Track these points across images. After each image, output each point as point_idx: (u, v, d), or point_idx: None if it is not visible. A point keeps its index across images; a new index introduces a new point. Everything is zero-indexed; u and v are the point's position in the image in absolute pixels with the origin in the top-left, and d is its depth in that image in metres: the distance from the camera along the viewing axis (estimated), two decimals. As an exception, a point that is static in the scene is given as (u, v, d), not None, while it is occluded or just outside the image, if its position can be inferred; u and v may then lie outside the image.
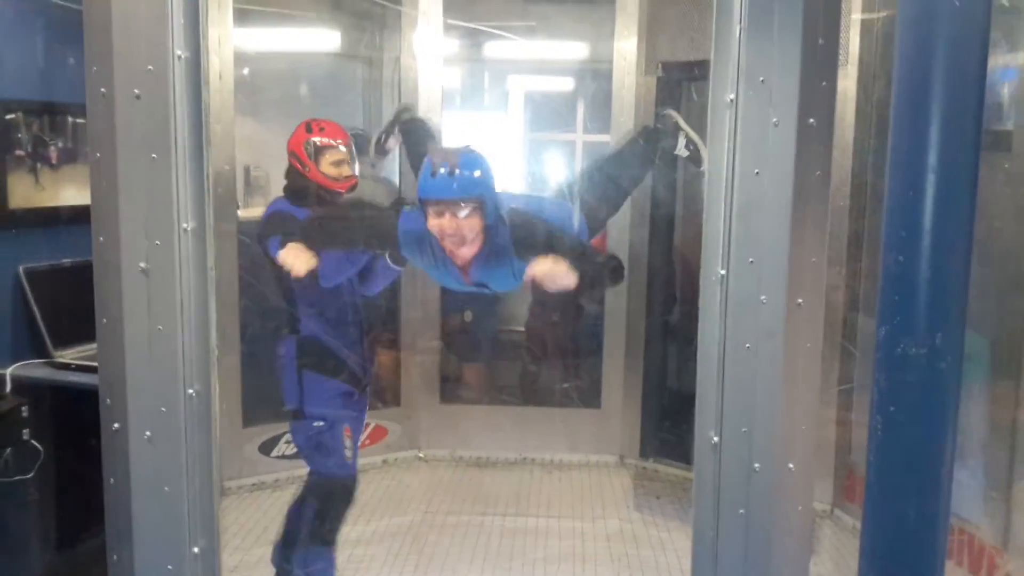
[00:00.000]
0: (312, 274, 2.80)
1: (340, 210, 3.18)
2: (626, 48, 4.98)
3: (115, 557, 2.03)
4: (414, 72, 4.99)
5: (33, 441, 2.73)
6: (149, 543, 2.01)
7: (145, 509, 2.01)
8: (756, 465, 1.94)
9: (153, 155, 1.98)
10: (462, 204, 2.53)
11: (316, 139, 3.22)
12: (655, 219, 4.95)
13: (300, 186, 3.23)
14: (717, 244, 1.95)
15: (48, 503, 2.92)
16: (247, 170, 5.13)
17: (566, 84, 6.08)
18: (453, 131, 5.31)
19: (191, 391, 2.01)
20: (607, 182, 3.08)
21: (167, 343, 2.00)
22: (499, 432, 5.06)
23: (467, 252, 2.65)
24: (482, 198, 2.56)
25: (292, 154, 3.25)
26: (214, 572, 2.04)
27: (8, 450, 2.72)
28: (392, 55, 5.13)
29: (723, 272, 1.95)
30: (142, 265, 1.99)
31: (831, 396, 4.19)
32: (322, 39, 5.18)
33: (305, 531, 3.21)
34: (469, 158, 2.58)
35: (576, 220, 2.94)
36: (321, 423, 3.15)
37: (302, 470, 3.42)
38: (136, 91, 1.96)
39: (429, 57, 4.96)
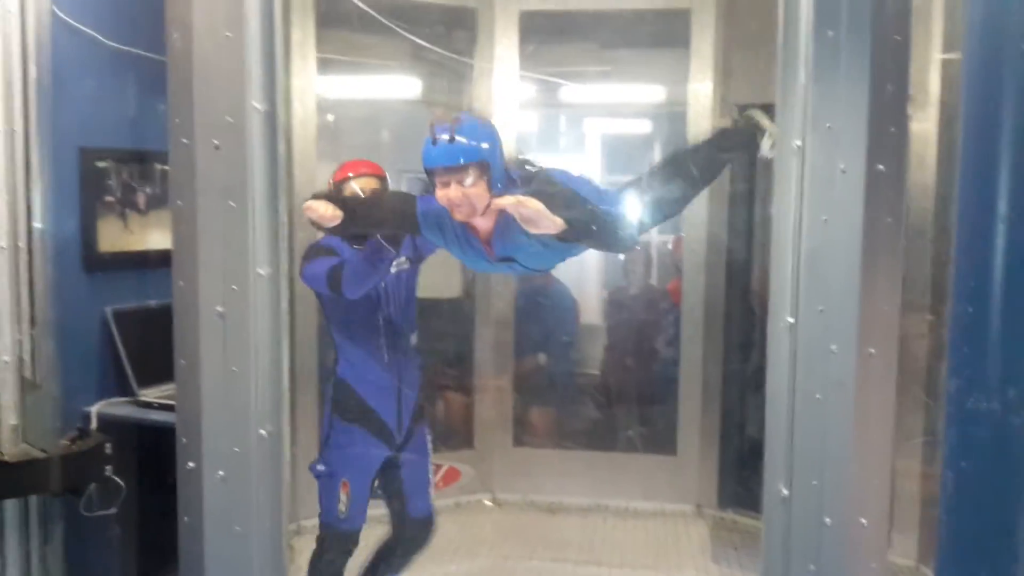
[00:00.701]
0: (336, 285, 2.86)
1: (361, 202, 3.03)
2: (701, 91, 4.96)
3: (187, 594, 2.07)
4: (488, 117, 5.06)
5: (115, 477, 2.82)
6: (219, 581, 2.05)
7: (216, 548, 2.05)
8: (827, 520, 1.88)
9: (231, 203, 2.05)
10: (467, 171, 2.39)
11: (349, 182, 3.11)
12: (731, 263, 4.89)
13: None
14: (785, 292, 1.93)
15: (131, 539, 3.01)
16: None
17: (641, 127, 6.10)
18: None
19: (263, 432, 2.06)
20: (676, 176, 2.82)
21: (241, 384, 2.06)
22: (572, 477, 5.02)
23: (484, 224, 2.53)
24: (485, 163, 2.40)
25: (333, 191, 3.11)
26: (281, 612, 2.07)
27: (92, 486, 2.82)
28: (467, 102, 5.23)
29: (792, 320, 1.92)
30: (219, 309, 2.05)
31: (916, 448, 4.05)
32: (401, 87, 5.30)
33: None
34: (470, 123, 2.45)
35: (597, 191, 2.70)
36: (322, 467, 3.14)
37: (380, 510, 3.42)
38: (216, 142, 2.04)
39: (503, 105, 5.03)
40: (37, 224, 2.76)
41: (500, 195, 2.41)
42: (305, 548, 4.33)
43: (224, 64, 2.04)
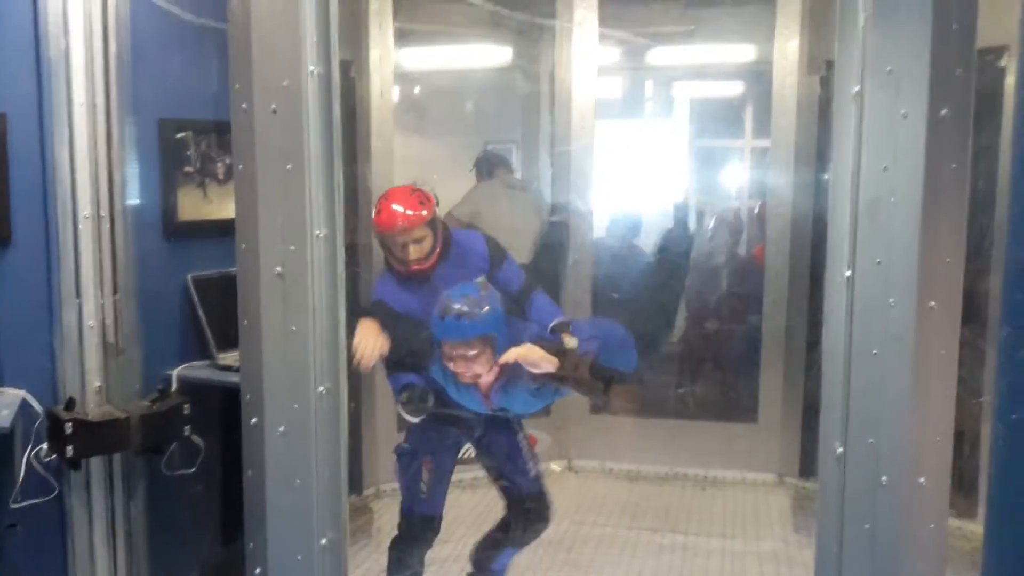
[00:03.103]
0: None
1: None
2: (788, 48, 4.82)
3: (251, 545, 2.15)
4: (568, 84, 5.03)
5: (195, 437, 2.93)
6: (280, 533, 2.12)
7: (278, 501, 2.11)
8: (883, 478, 1.82)
9: (288, 166, 2.09)
10: (472, 344, 2.75)
11: (376, 224, 3.04)
12: (817, 228, 4.75)
13: (392, 259, 3.10)
14: (842, 245, 1.86)
15: (210, 497, 3.14)
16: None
17: (725, 88, 5.97)
18: (608, 141, 5.31)
19: (321, 389, 2.11)
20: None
21: (300, 343, 2.11)
22: (650, 445, 4.99)
23: (486, 380, 2.85)
24: (492, 335, 2.76)
25: (377, 235, 3.10)
26: (340, 564, 2.13)
27: (173, 446, 2.94)
28: (547, 68, 5.20)
29: (849, 274, 1.85)
30: (278, 270, 2.10)
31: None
32: (479, 55, 5.31)
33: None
34: (476, 300, 2.77)
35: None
36: (406, 445, 3.16)
37: (461, 474, 3.46)
38: (273, 106, 2.08)
39: (583, 68, 4.98)
40: (118, 194, 2.88)
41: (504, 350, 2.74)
42: (384, 510, 4.47)
43: (280, 28, 2.07)
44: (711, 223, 5.65)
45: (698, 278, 5.71)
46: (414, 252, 3.01)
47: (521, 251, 4.60)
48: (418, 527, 3.19)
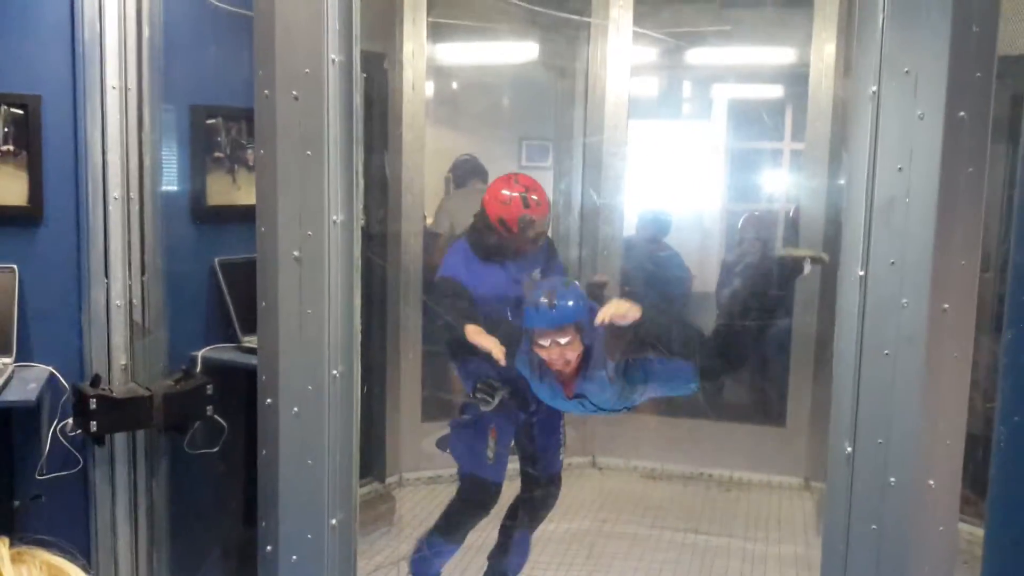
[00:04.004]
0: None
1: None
2: (825, 51, 4.77)
3: (263, 523, 2.18)
4: (602, 82, 5.02)
5: (218, 417, 2.98)
6: (292, 512, 2.15)
7: (290, 480, 2.15)
8: (892, 479, 1.81)
9: (308, 152, 2.12)
10: (565, 331, 2.90)
11: (532, 217, 3.17)
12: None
13: (491, 242, 3.23)
14: (857, 244, 1.86)
15: (233, 477, 3.18)
16: (447, 180, 5.35)
17: (761, 90, 5.92)
18: (640, 140, 5.30)
19: (335, 372, 2.14)
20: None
21: (315, 326, 2.14)
22: (676, 444, 4.97)
23: (573, 366, 2.99)
24: (580, 323, 2.92)
25: (500, 220, 3.18)
26: (350, 544, 2.16)
27: (196, 425, 2.99)
28: (582, 66, 5.19)
29: (862, 273, 1.85)
30: (296, 254, 2.14)
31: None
32: (514, 51, 5.32)
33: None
34: (564, 291, 2.97)
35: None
36: (467, 416, 3.25)
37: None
38: (295, 92, 2.11)
39: (617, 67, 4.97)
40: (149, 178, 2.94)
41: (588, 343, 2.94)
42: (406, 498, 4.50)
43: (303, 16, 2.10)
44: (739, 224, 5.61)
45: (728, 279, 5.67)
46: (531, 240, 3.23)
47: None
48: (482, 492, 3.27)
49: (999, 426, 1.30)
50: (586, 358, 2.98)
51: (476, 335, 2.99)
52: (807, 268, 3.36)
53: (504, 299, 3.22)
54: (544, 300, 2.91)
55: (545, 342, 2.92)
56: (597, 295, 3.35)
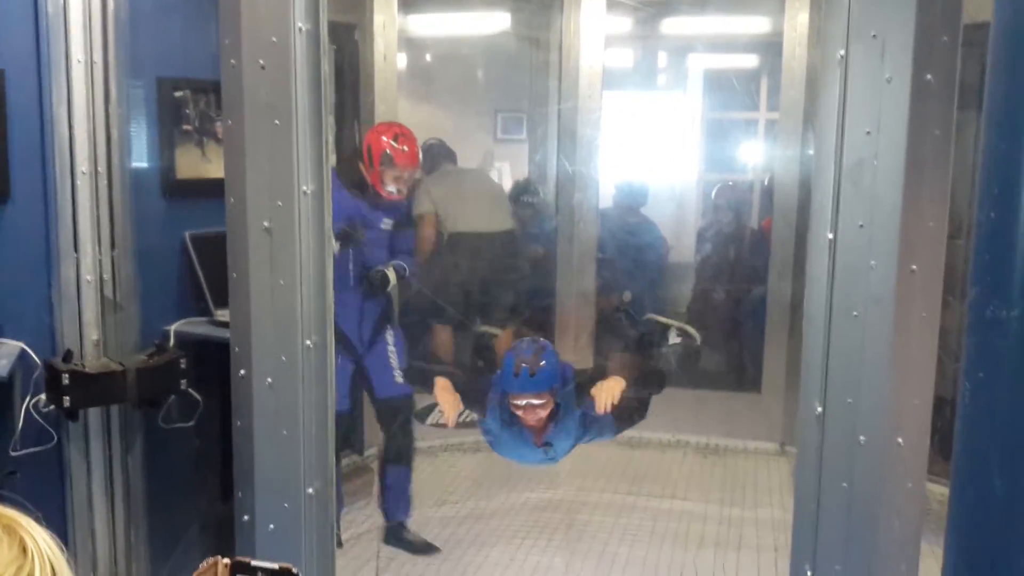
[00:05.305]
0: None
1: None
2: (798, 20, 4.78)
3: (240, 493, 2.19)
4: (576, 52, 5.00)
5: (192, 391, 2.97)
6: (268, 482, 2.16)
7: (266, 451, 2.15)
8: (861, 438, 1.84)
9: (276, 121, 2.11)
10: (543, 396, 3.08)
11: (392, 155, 3.49)
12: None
13: (357, 176, 3.56)
14: (825, 207, 1.88)
15: (208, 451, 3.17)
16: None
17: (736, 60, 5.92)
18: (614, 111, 5.29)
19: (308, 342, 2.14)
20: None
21: (287, 297, 2.13)
22: (653, 412, 4.99)
23: (542, 423, 3.18)
24: (556, 386, 3.12)
25: (368, 148, 3.52)
26: (327, 513, 2.17)
27: (170, 399, 2.98)
28: (555, 36, 5.16)
29: (831, 236, 1.87)
30: (265, 224, 2.13)
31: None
32: (487, 21, 5.28)
33: None
34: (543, 357, 3.13)
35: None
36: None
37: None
38: (261, 62, 2.10)
39: (590, 36, 4.95)
40: (116, 152, 2.90)
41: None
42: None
43: (269, -16, 2.08)
44: (712, 194, 5.63)
45: (704, 249, 5.70)
46: (396, 188, 3.54)
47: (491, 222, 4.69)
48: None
49: (964, 381, 1.31)
50: (555, 410, 3.18)
51: (441, 390, 3.30)
52: (672, 339, 3.70)
53: (350, 225, 3.50)
54: (525, 366, 3.08)
55: (521, 403, 3.10)
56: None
